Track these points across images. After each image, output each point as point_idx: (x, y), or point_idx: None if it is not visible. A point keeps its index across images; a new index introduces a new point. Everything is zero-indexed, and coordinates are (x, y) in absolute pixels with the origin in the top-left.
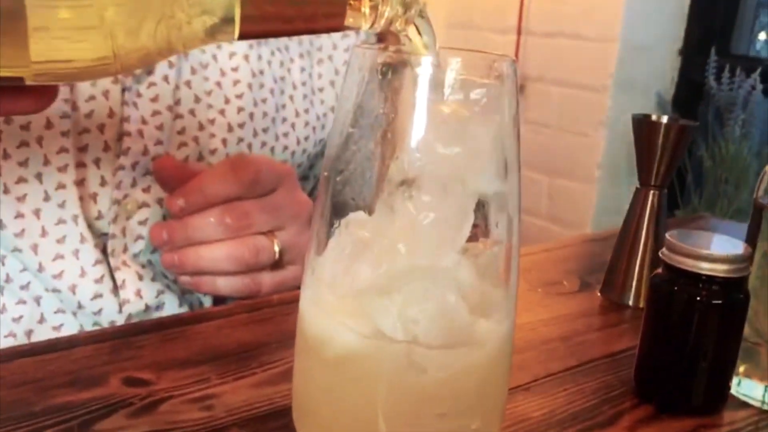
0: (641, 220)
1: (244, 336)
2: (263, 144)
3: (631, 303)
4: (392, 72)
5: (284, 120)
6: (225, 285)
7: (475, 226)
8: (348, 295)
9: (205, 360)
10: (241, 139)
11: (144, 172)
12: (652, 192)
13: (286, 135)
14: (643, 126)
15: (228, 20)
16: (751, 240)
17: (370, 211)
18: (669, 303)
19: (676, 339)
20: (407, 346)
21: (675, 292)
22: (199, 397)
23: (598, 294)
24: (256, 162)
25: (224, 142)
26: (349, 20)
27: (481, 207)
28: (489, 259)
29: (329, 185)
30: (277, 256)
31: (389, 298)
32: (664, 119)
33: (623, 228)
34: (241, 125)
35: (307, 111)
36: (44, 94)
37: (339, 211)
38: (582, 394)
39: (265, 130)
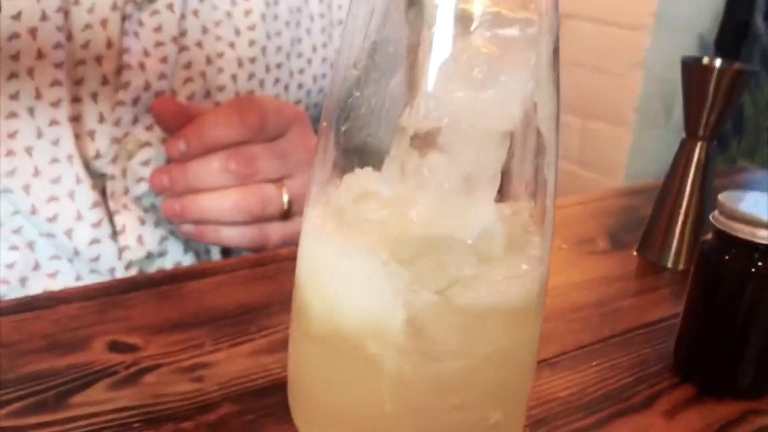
0: (686, 174)
1: (245, 295)
2: (276, 81)
3: (670, 265)
4: (409, 2)
5: (300, 55)
6: (230, 236)
7: (501, 188)
8: (349, 268)
9: (200, 322)
10: (252, 75)
11: (146, 109)
12: (699, 144)
13: (301, 72)
14: (693, 71)
15: None
16: None
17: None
18: (719, 273)
19: (724, 313)
20: (417, 330)
21: (726, 261)
22: (190, 366)
23: (635, 254)
24: (264, 103)
25: (234, 78)
26: None
27: (510, 165)
28: (518, 226)
29: (330, 136)
30: (285, 206)
31: (397, 275)
32: (717, 63)
33: (665, 183)
34: (252, 60)
35: (325, 46)
36: None
37: (342, 166)
38: (616, 370)
39: (278, 66)
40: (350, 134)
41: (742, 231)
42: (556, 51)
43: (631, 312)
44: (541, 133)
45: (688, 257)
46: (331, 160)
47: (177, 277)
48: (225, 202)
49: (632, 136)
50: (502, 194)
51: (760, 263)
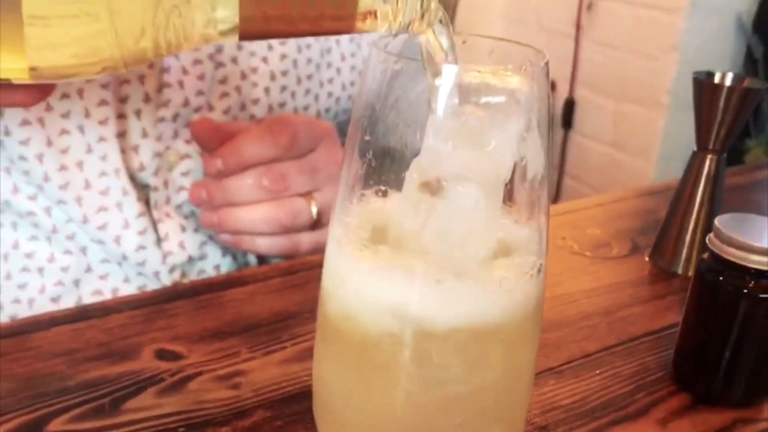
0: (696, 185)
1: (276, 304)
2: (307, 91)
3: (680, 271)
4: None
5: (329, 65)
6: (264, 245)
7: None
8: (363, 291)
9: (237, 331)
10: (284, 88)
11: (185, 123)
12: (709, 157)
13: (330, 81)
14: (703, 88)
15: (230, 30)
16: None
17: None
18: (714, 292)
19: (719, 330)
20: (422, 359)
21: (720, 282)
22: (228, 374)
23: (647, 259)
24: (294, 123)
25: (267, 90)
26: (360, 24)
27: (506, 206)
28: (515, 258)
29: (353, 157)
30: (315, 217)
31: (405, 308)
32: (728, 81)
33: (677, 193)
34: (284, 73)
35: (353, 54)
36: (42, 89)
37: (364, 185)
38: (617, 378)
39: (309, 77)
40: (371, 158)
41: (735, 255)
42: (545, 114)
43: (639, 320)
44: (533, 185)
45: (697, 264)
46: (354, 182)
47: (215, 285)
48: (258, 215)
49: (665, 118)
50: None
51: (751, 285)
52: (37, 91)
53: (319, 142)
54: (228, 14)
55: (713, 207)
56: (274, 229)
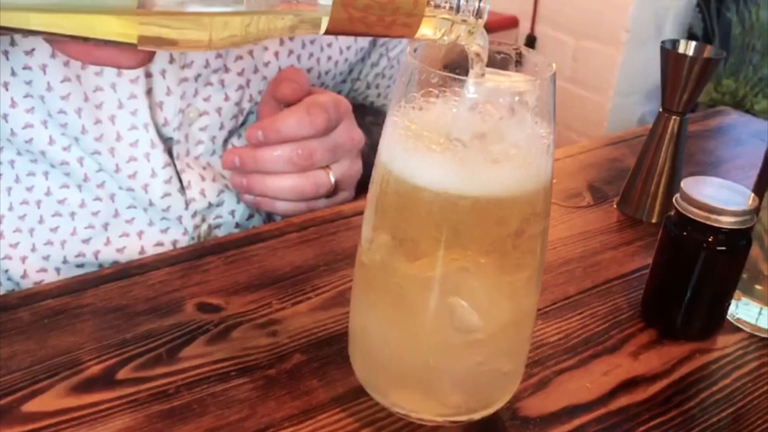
0: (661, 143)
1: (295, 258)
2: (310, 55)
3: (645, 219)
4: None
5: None
6: (283, 208)
7: None
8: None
9: (264, 284)
10: (291, 51)
11: (205, 83)
12: (674, 118)
13: (329, 45)
14: (669, 57)
15: (317, 24)
16: (760, 186)
17: None
18: (678, 245)
19: (682, 276)
20: (450, 311)
21: (684, 237)
22: (265, 323)
23: (615, 207)
24: (327, 106)
25: (276, 54)
26: (420, 33)
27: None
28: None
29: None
30: (333, 186)
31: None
32: (691, 50)
33: (643, 148)
34: (290, 37)
35: None
36: (145, 55)
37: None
38: (594, 317)
39: (312, 42)
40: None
41: (697, 214)
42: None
43: (610, 264)
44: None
45: (660, 212)
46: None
47: (239, 242)
48: (285, 184)
49: (623, 55)
50: None
51: (710, 239)
52: (144, 56)
53: (342, 120)
54: (319, 20)
55: (676, 162)
56: (297, 197)
